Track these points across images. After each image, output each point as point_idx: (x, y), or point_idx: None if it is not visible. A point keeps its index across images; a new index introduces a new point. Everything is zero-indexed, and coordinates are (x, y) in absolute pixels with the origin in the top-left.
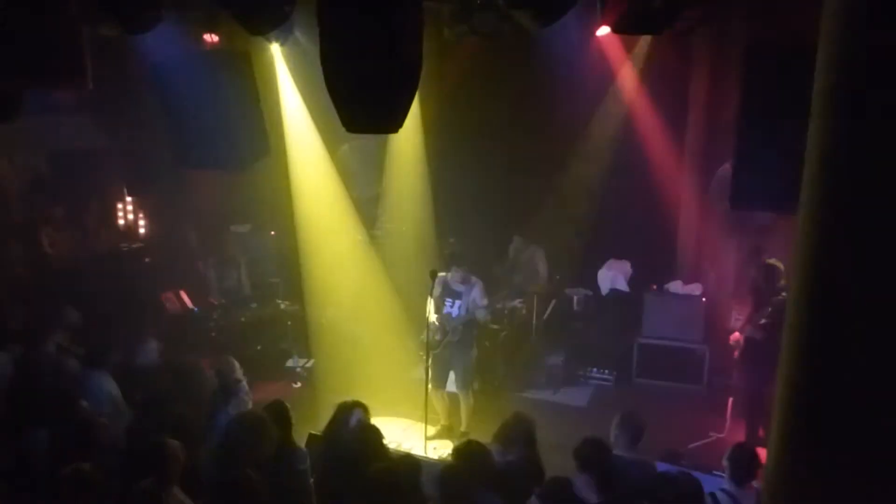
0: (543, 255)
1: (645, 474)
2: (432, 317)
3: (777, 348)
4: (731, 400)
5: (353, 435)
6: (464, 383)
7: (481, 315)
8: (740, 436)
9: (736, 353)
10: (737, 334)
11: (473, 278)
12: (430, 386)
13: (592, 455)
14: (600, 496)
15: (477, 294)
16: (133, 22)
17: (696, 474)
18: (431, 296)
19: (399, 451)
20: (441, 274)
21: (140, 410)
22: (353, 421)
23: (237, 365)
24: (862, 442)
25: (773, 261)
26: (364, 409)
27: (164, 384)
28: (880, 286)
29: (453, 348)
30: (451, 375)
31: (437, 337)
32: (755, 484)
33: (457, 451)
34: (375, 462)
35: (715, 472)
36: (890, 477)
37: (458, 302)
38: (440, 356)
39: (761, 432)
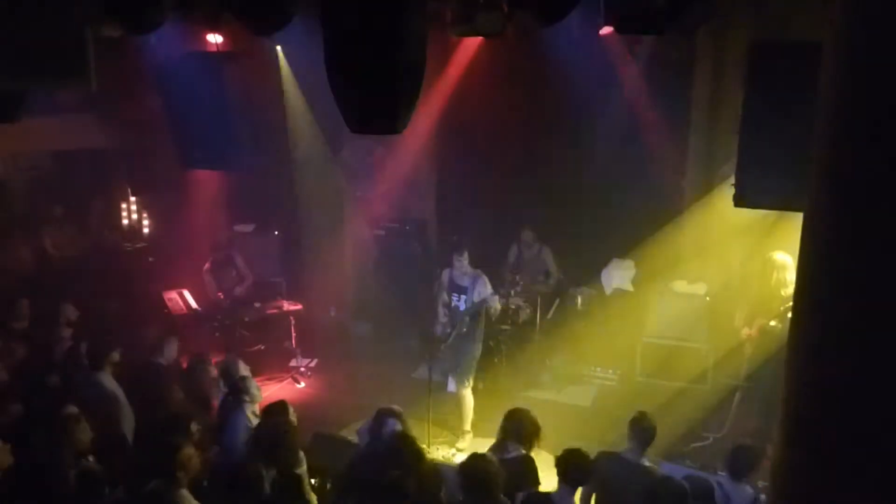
0: (550, 252)
1: (646, 479)
2: (441, 316)
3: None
4: (736, 397)
5: (385, 444)
6: (462, 382)
7: (493, 304)
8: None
9: (748, 349)
10: (747, 330)
11: (477, 271)
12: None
13: (571, 466)
14: None
15: (481, 286)
16: (137, 22)
17: (702, 474)
18: (436, 293)
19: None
20: (445, 270)
21: (149, 410)
22: (388, 430)
23: (242, 364)
24: (868, 440)
25: (778, 254)
26: (398, 417)
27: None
28: (887, 284)
29: (459, 341)
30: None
31: (448, 330)
32: (761, 483)
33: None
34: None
35: (721, 473)
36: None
37: (463, 296)
38: (448, 350)
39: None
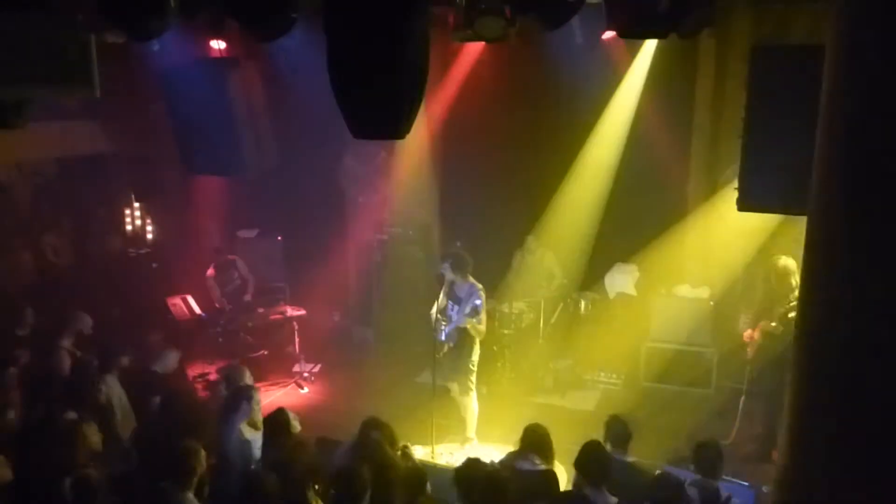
0: (553, 257)
1: (638, 477)
2: (434, 318)
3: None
4: (741, 401)
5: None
6: (462, 388)
7: (471, 328)
8: (750, 439)
9: (749, 352)
10: (749, 331)
11: (477, 286)
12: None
13: (593, 461)
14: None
15: (473, 301)
16: (140, 29)
17: (706, 478)
18: (438, 299)
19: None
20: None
21: (154, 415)
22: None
23: (247, 372)
24: (873, 444)
25: (781, 259)
26: (380, 430)
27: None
28: (890, 286)
29: (451, 353)
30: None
31: (441, 338)
32: (765, 488)
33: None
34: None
35: (725, 478)
36: None
37: (457, 307)
38: (443, 360)
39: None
